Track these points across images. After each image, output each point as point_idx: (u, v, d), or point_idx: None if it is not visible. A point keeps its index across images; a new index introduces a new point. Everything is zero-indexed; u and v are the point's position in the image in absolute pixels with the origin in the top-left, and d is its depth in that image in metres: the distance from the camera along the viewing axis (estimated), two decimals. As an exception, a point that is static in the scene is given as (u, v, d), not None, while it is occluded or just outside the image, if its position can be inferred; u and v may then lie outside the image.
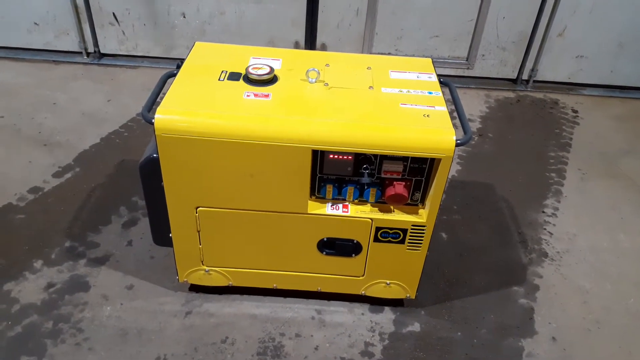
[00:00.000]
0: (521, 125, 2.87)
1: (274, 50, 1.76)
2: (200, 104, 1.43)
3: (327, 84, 1.56)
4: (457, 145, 1.39)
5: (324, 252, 1.63)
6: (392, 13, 2.97)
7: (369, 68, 1.67)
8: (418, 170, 1.47)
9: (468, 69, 3.16)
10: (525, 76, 3.19)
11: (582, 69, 3.15)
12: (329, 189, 1.52)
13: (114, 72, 3.18)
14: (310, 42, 3.00)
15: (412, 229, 1.55)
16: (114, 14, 3.04)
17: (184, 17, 3.02)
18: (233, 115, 1.39)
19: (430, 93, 1.56)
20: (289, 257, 1.66)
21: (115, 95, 2.94)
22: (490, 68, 3.17)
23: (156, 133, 1.39)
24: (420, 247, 1.60)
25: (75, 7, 3.05)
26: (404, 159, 1.45)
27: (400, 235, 1.57)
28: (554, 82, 3.21)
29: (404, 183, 1.48)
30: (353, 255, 1.63)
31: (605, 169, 2.56)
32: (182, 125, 1.38)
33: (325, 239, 1.60)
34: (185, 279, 1.73)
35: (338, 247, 1.61)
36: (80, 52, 3.24)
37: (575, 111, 3.02)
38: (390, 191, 1.48)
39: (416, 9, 2.95)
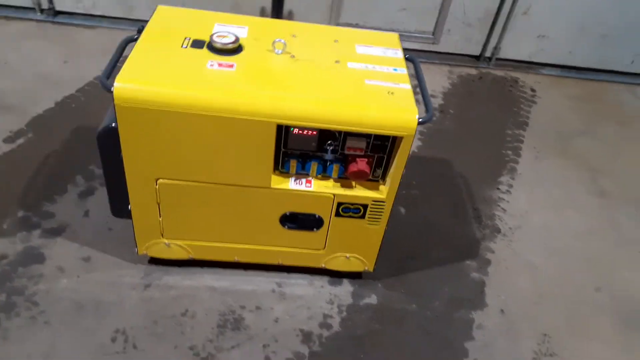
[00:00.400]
0: (482, 102, 2.93)
1: (240, 17, 1.72)
2: (162, 72, 1.39)
3: (293, 56, 1.54)
4: (419, 124, 1.41)
5: (286, 226, 1.64)
6: (361, -17, 2.93)
7: (336, 41, 1.65)
8: (380, 148, 1.49)
9: (433, 44, 3.17)
10: (488, 53, 3.23)
11: (543, 49, 3.22)
12: (293, 164, 1.52)
13: (70, 31, 3.03)
14: (277, 10, 2.93)
15: (372, 204, 1.58)
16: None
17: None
18: (196, 86, 1.36)
19: (395, 70, 1.57)
20: (251, 231, 1.67)
21: (72, 56, 2.81)
22: (455, 44, 3.19)
23: (115, 102, 1.35)
24: (379, 222, 1.63)
25: (27, -41, 2.87)
26: (367, 136, 1.46)
27: (360, 211, 1.60)
28: (515, 61, 3.27)
29: (366, 160, 1.49)
30: (315, 229, 1.65)
31: (560, 148, 2.65)
32: (142, 95, 1.34)
33: (287, 214, 1.61)
34: (144, 252, 1.71)
35: (300, 221, 1.63)
36: (34, 9, 3.07)
37: (533, 90, 3.09)
38: (353, 167, 1.49)
39: (384, -20, 2.92)
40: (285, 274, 1.82)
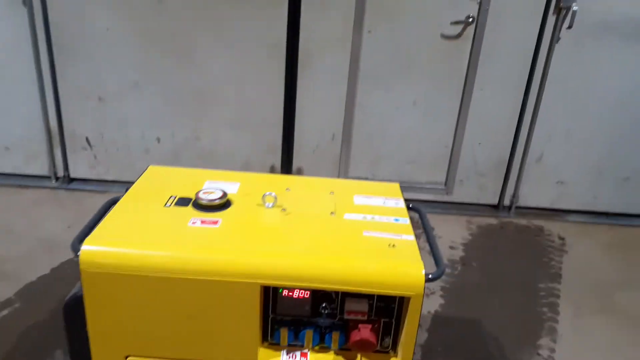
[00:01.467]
0: (507, 253, 2.71)
1: (232, 174, 1.64)
2: (137, 233, 1.26)
3: (284, 210, 1.41)
4: (427, 280, 1.20)
5: (279, 412, 1.35)
6: (368, 138, 2.95)
7: (332, 193, 1.54)
8: (386, 310, 1.27)
9: (447, 194, 3.08)
10: (506, 202, 3.10)
11: (564, 195, 3.08)
12: (284, 333, 1.29)
13: (81, 197, 3.06)
14: (286, 167, 2.94)
15: (383, 382, 1.30)
16: (87, 138, 3.00)
17: (159, 141, 2.97)
18: (171, 246, 1.22)
19: (396, 220, 1.41)
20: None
21: (77, 221, 2.78)
22: (470, 193, 3.09)
23: (80, 268, 1.20)
24: (394, 404, 1.33)
25: (49, 131, 3.01)
26: (369, 296, 1.25)
27: (369, 390, 1.32)
28: (537, 208, 3.12)
29: (370, 326, 1.26)
30: (314, 413, 1.35)
31: (599, 303, 2.35)
32: (109, 258, 1.19)
33: (279, 395, 1.33)
34: None
35: (296, 404, 1.34)
36: (49, 177, 3.15)
37: (562, 238, 2.88)
38: (355, 336, 1.26)
39: (391, 135, 2.94)
40: None
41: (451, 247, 2.69)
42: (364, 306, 1.25)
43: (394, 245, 1.28)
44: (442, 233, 2.79)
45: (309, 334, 1.29)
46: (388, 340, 1.30)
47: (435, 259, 1.31)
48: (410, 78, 2.80)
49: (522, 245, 2.78)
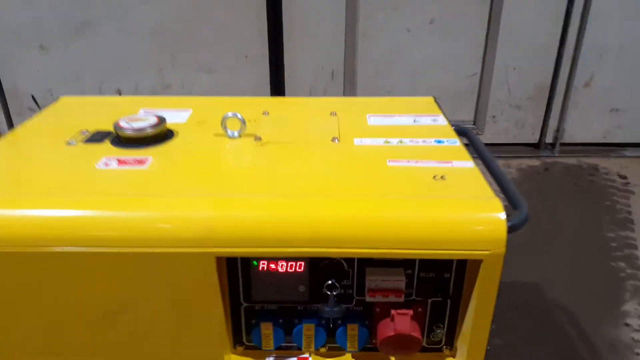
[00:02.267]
0: (559, 199, 2.18)
1: (184, 99, 1.12)
2: (8, 187, 0.75)
3: (259, 139, 0.89)
4: (510, 231, 0.68)
5: None
6: (376, 73, 2.40)
7: (333, 114, 1.01)
8: (436, 285, 0.75)
9: (477, 134, 2.53)
10: (549, 139, 2.56)
11: (620, 125, 2.53)
12: (267, 330, 0.78)
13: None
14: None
15: (435, 399, 0.80)
16: (32, 96, 2.47)
17: (120, 94, 2.44)
18: (62, 201, 0.71)
19: (439, 142, 0.89)
20: None
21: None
22: (505, 132, 2.55)
23: None
24: None
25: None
26: (405, 263, 0.74)
27: (413, 414, 0.81)
28: (586, 144, 2.57)
29: (410, 312, 0.75)
30: None
31: (690, 250, 1.83)
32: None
33: None
34: None
35: None
36: None
37: (623, 177, 2.34)
38: (386, 330, 0.75)
39: (404, 66, 2.39)
40: None
41: (489, 197, 2.17)
42: (398, 280, 0.74)
43: (442, 177, 0.77)
44: (475, 181, 2.27)
45: (308, 329, 0.78)
46: (440, 333, 0.79)
47: (509, 198, 0.79)
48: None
49: (574, 188, 2.26)
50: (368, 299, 0.75)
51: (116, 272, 0.69)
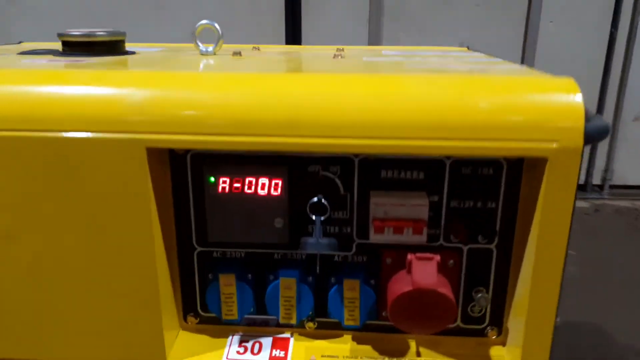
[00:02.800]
0: (613, 240, 1.89)
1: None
2: None
3: (238, 53, 0.70)
4: (587, 130, 0.45)
5: None
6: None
7: (338, 55, 0.82)
8: (474, 221, 0.51)
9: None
10: (596, 180, 2.29)
11: (678, 166, 2.25)
12: (228, 286, 0.54)
13: None
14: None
15: (477, 408, 0.53)
16: None
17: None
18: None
19: (474, 59, 0.68)
20: None
21: None
22: (546, 171, 2.30)
23: None
24: None
25: None
26: (427, 182, 0.50)
27: None
28: (638, 187, 2.29)
29: (437, 257, 0.50)
30: None
31: None
32: None
33: None
34: None
35: None
36: None
37: (686, 220, 2.04)
38: (398, 286, 0.50)
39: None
40: None
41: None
42: (418, 205, 0.50)
43: (483, 70, 0.55)
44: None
45: (287, 289, 0.54)
46: (483, 300, 0.53)
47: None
48: (453, 12, 2.10)
49: (631, 229, 1.95)
50: (373, 237, 0.51)
51: (21, 164, 0.48)
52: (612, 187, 2.29)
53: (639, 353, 1.25)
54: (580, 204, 2.20)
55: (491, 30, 2.13)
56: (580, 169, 0.45)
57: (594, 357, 1.24)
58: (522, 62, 2.16)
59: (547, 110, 0.44)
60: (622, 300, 1.49)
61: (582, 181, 2.30)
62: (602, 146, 2.24)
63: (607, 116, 2.20)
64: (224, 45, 0.72)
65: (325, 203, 0.50)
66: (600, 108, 2.20)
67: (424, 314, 0.50)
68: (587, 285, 1.55)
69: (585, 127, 0.44)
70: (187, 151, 0.50)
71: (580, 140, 0.44)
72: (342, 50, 0.80)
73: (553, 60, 2.14)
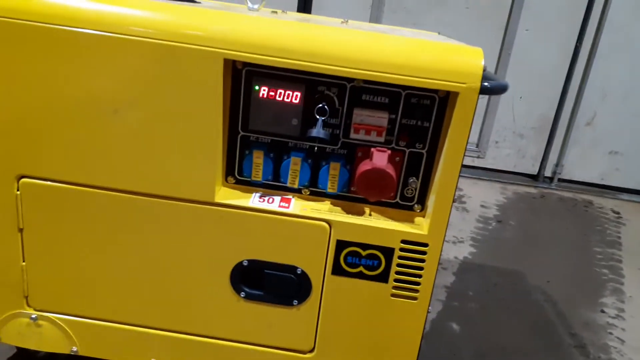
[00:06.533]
0: (550, 218, 2.24)
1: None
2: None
3: (275, 12, 1.01)
4: (484, 78, 0.77)
5: (242, 294, 0.90)
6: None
7: (344, 21, 1.12)
8: (415, 133, 0.83)
9: (479, 157, 2.63)
10: (548, 172, 2.64)
11: (618, 169, 2.61)
12: (258, 160, 0.85)
13: None
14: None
15: (403, 249, 0.85)
16: None
17: None
18: None
19: (433, 37, 1.00)
20: (179, 301, 0.93)
21: None
22: (506, 159, 2.64)
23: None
24: (417, 292, 0.87)
25: None
26: (389, 105, 0.82)
27: (380, 263, 0.86)
28: (583, 183, 2.65)
29: (388, 152, 0.82)
30: (294, 302, 0.90)
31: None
32: None
33: (244, 263, 0.88)
34: (-5, 335, 0.97)
35: (268, 282, 0.89)
36: None
37: (616, 212, 2.40)
38: (363, 166, 0.82)
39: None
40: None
41: (483, 206, 2.23)
42: (381, 117, 0.82)
43: (430, 37, 0.86)
44: (472, 194, 2.34)
45: (295, 164, 0.85)
46: (413, 185, 0.85)
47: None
48: (446, 11, 2.40)
49: (568, 213, 2.31)
50: (353, 135, 0.82)
51: (127, 61, 0.78)
52: (561, 180, 2.64)
53: (549, 292, 1.59)
54: (530, 190, 2.55)
55: (476, 30, 2.44)
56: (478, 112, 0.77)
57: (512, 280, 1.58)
58: (498, 60, 2.48)
59: (462, 63, 0.76)
60: (538, 255, 1.83)
61: (534, 172, 2.65)
62: (557, 143, 2.58)
63: (564, 119, 2.54)
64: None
65: (326, 108, 0.81)
66: (559, 109, 2.53)
67: (376, 185, 0.82)
68: (516, 245, 1.90)
69: (489, 83, 0.76)
70: (244, 66, 0.81)
71: (478, 83, 0.75)
72: (347, 21, 1.10)
73: (525, 63, 2.47)
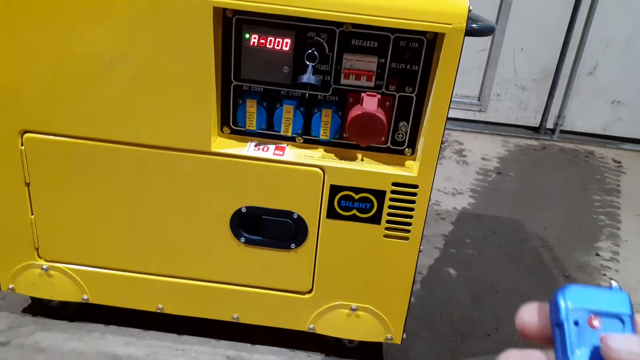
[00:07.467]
0: (550, 169, 2.25)
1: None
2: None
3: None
4: (471, 19, 0.78)
5: (242, 239, 0.94)
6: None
7: None
8: (404, 77, 0.84)
9: (480, 111, 2.63)
10: (549, 124, 2.63)
11: (621, 119, 2.60)
12: (251, 109, 0.88)
13: None
14: None
15: (394, 191, 0.88)
16: None
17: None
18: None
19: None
20: (183, 248, 0.97)
21: None
22: (507, 112, 2.63)
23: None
24: (408, 232, 0.90)
25: None
26: (378, 50, 0.83)
27: (372, 206, 0.89)
28: (585, 134, 2.64)
29: (378, 96, 0.84)
30: (292, 245, 0.93)
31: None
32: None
33: (243, 210, 0.92)
34: (10, 286, 1.02)
35: (266, 227, 0.93)
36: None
37: (617, 162, 2.41)
38: (354, 112, 0.84)
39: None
40: (244, 345, 1.05)
41: (484, 159, 2.24)
42: (371, 61, 0.83)
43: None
44: (473, 147, 2.35)
45: (287, 112, 0.87)
46: (404, 129, 0.87)
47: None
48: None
49: (568, 163, 2.32)
50: (343, 80, 0.84)
51: (118, 11, 0.80)
52: (562, 131, 2.64)
53: (546, 238, 1.62)
54: (532, 142, 2.56)
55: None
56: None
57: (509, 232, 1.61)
58: (499, 12, 2.44)
59: (447, 5, 0.76)
60: (537, 204, 1.85)
61: (536, 124, 2.65)
62: (559, 94, 2.57)
63: (566, 69, 2.52)
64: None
65: (316, 54, 0.82)
66: (561, 59, 2.50)
67: (367, 130, 0.84)
68: (515, 196, 1.92)
69: (475, 24, 0.77)
70: (234, 14, 0.82)
71: (463, 24, 0.76)
72: None
73: (526, 14, 2.43)
